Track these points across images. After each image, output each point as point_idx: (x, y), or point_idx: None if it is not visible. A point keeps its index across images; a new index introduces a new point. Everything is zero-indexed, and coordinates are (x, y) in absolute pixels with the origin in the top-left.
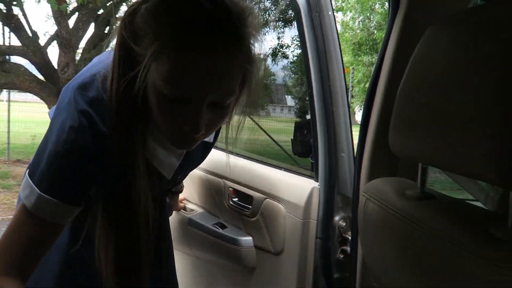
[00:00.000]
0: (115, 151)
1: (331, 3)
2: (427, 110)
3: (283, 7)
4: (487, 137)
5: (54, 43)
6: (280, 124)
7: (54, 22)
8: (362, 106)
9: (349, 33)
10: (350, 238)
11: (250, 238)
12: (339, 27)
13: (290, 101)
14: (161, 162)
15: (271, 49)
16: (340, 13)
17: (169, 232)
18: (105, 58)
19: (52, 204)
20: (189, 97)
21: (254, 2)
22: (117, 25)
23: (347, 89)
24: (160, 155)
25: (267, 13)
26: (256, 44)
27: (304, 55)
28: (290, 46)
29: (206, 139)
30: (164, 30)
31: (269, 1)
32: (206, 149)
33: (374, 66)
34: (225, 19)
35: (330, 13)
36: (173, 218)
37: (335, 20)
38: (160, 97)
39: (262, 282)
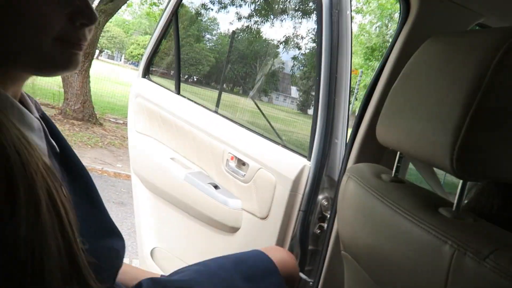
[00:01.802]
0: None
1: (350, 3)
2: (410, 108)
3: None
4: (446, 135)
5: None
6: (281, 113)
7: None
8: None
9: (364, 36)
10: (328, 216)
11: (239, 201)
12: (355, 28)
13: (294, 92)
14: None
15: (285, 37)
16: (359, 15)
17: None
18: None
19: None
20: None
21: None
22: None
23: (351, 85)
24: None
25: (289, 1)
26: None
27: (318, 44)
28: (304, 38)
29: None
30: None
31: None
32: None
33: (378, 64)
34: None
35: (348, 12)
36: (173, 174)
37: (351, 20)
38: None
39: (245, 242)
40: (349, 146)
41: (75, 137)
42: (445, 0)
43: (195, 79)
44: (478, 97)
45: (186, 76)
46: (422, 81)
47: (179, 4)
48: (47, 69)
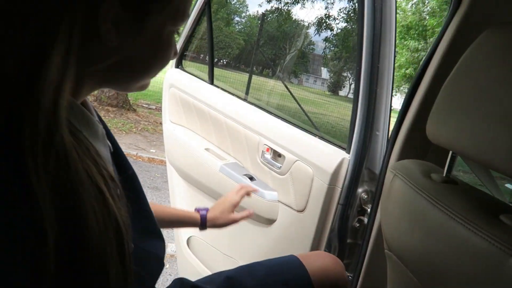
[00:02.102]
0: None
1: None
2: (467, 105)
3: None
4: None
5: None
6: (311, 95)
7: None
8: (397, 92)
9: (399, 14)
10: (369, 209)
11: (276, 193)
12: None
13: (325, 73)
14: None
15: (316, 18)
16: None
17: None
18: None
19: None
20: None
21: None
22: None
23: (394, 76)
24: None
25: None
26: None
27: (359, 33)
28: (336, 18)
29: None
30: None
31: None
32: None
33: (426, 54)
34: None
35: None
36: (208, 165)
37: (396, 5)
38: (166, 34)
39: (281, 234)
40: (392, 140)
41: (110, 123)
42: None
43: (225, 63)
44: None
45: (215, 60)
46: (481, 77)
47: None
48: (131, 91)
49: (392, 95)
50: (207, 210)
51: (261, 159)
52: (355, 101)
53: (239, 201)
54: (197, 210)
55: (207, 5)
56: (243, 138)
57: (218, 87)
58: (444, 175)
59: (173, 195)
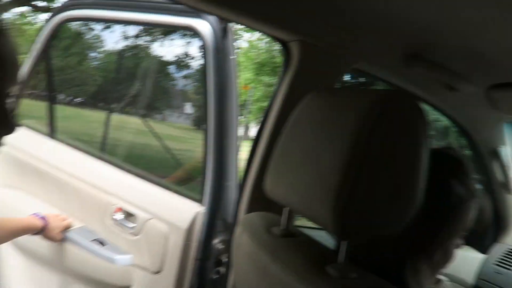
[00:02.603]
0: None
1: (233, 49)
2: (296, 163)
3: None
4: (328, 195)
5: None
6: (175, 131)
7: None
8: (256, 123)
9: (253, 52)
10: (225, 260)
11: (128, 256)
12: (245, 44)
13: (188, 108)
14: None
15: (176, 57)
16: (249, 33)
17: None
18: None
19: None
20: None
21: None
22: None
23: (238, 126)
24: None
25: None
26: None
27: (203, 87)
28: (194, 58)
29: None
30: None
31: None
32: None
33: (264, 111)
34: None
35: (232, 57)
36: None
37: (236, 64)
38: None
39: None
40: (240, 191)
41: None
42: (321, 46)
43: (80, 101)
44: (355, 159)
45: (71, 97)
46: (306, 136)
47: (51, 41)
48: None
49: (238, 149)
50: (45, 217)
51: (112, 220)
52: (206, 155)
53: (69, 225)
54: (39, 216)
55: (46, 49)
56: (91, 199)
57: (59, 140)
58: (283, 228)
59: (5, 274)
